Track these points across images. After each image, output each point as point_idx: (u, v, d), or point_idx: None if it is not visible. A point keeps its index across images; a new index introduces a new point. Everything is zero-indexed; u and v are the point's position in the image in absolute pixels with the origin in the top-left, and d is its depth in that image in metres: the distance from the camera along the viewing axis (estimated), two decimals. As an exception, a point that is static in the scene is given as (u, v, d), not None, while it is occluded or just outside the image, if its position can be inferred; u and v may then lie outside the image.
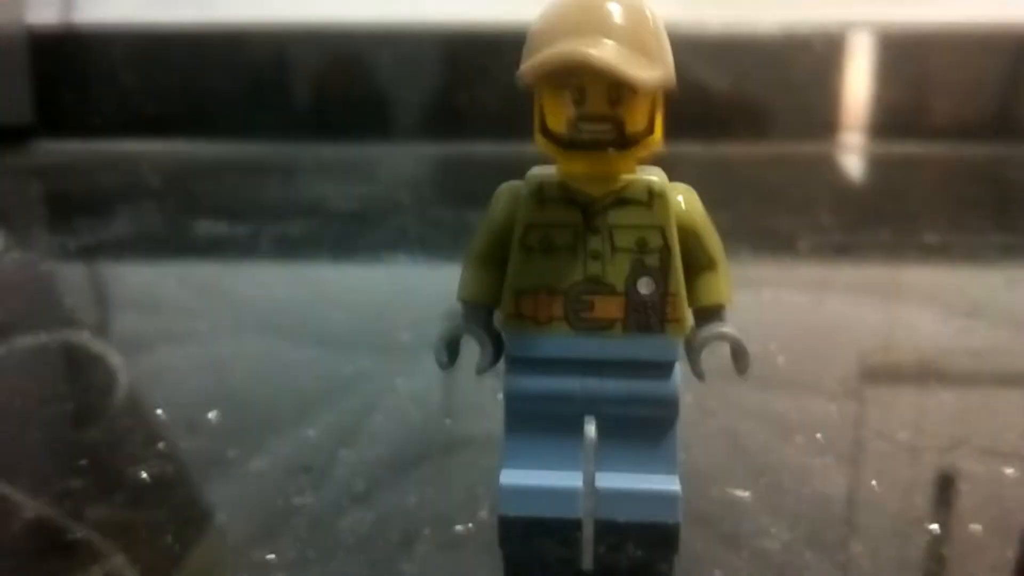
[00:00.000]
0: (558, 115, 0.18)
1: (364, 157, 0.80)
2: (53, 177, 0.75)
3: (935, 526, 0.20)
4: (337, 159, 0.79)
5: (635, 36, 0.17)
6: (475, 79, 0.83)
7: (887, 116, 0.83)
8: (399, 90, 0.84)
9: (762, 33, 0.82)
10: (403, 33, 0.83)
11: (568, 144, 0.18)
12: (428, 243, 0.50)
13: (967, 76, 0.83)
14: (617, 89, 0.18)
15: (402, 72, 0.84)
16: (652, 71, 0.17)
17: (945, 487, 0.22)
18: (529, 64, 0.17)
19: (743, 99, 0.83)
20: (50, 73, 0.86)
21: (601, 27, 0.17)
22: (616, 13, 0.17)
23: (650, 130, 0.18)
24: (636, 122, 0.18)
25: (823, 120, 0.83)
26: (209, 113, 0.86)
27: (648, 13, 0.18)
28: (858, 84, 0.83)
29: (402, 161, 0.80)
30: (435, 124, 0.84)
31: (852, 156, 0.82)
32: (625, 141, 0.18)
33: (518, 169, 0.20)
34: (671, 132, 0.19)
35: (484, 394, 0.27)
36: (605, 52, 0.17)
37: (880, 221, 0.56)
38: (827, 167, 0.79)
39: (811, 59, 0.83)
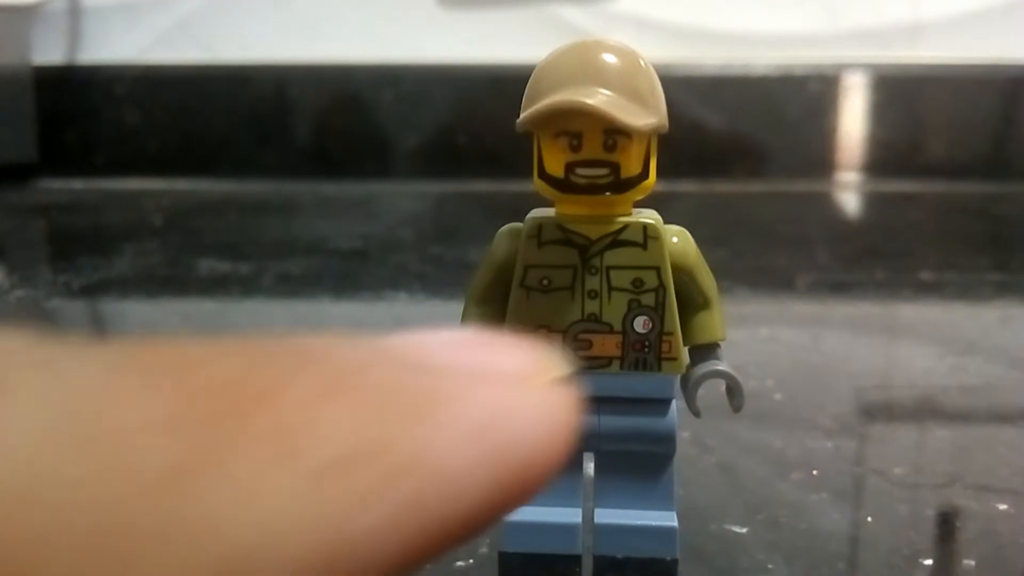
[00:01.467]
0: (556, 160, 0.19)
1: (365, 195, 0.81)
2: (56, 215, 0.76)
3: (930, 562, 0.20)
4: (338, 197, 0.80)
5: (629, 84, 0.18)
6: (475, 118, 0.84)
7: (882, 154, 0.84)
8: (399, 128, 0.85)
9: (757, 74, 0.83)
10: (404, 73, 0.84)
11: (566, 188, 0.19)
12: (428, 281, 0.51)
13: (961, 114, 0.84)
14: (612, 135, 0.18)
15: (402, 111, 0.85)
16: (646, 118, 0.18)
17: (940, 523, 0.23)
18: (528, 112, 0.18)
19: (739, 138, 0.84)
20: (54, 112, 0.87)
21: (597, 77, 0.18)
22: (611, 63, 0.18)
23: (645, 174, 0.19)
24: (631, 167, 0.19)
25: (819, 159, 0.84)
26: (211, 152, 0.87)
27: (642, 63, 0.19)
28: (853, 123, 0.84)
29: (402, 199, 0.81)
30: (435, 162, 0.85)
31: (848, 194, 0.83)
32: (621, 185, 0.19)
33: (517, 207, 0.20)
34: (669, 170, 0.20)
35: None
36: (600, 101, 0.17)
37: (876, 258, 0.56)
38: (823, 205, 0.80)
39: (806, 99, 0.84)
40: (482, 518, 0.08)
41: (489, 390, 0.09)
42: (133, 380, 0.07)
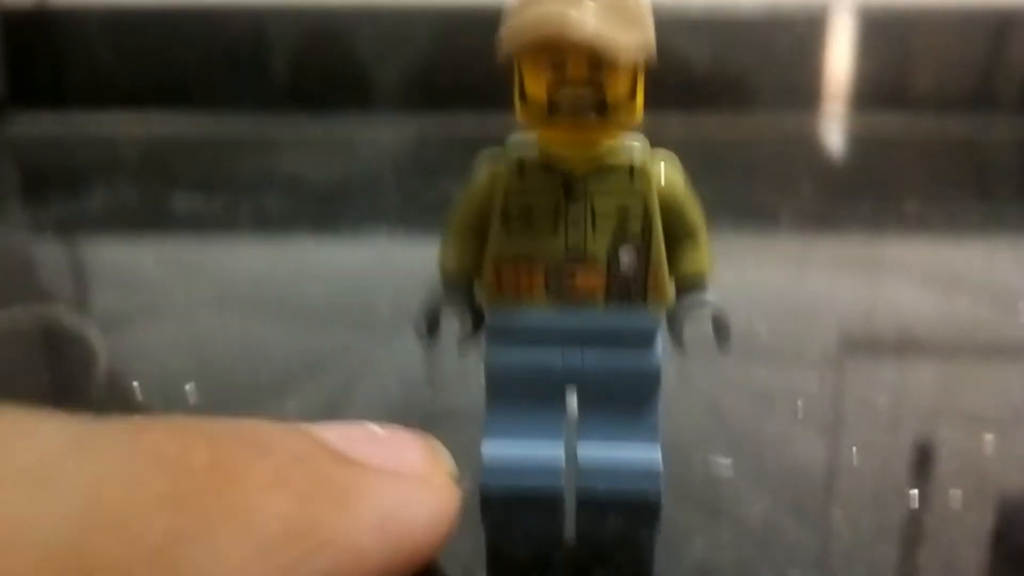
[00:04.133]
0: (537, 82, 0.18)
1: (343, 132, 0.79)
2: (28, 152, 0.74)
3: (915, 492, 0.20)
4: (316, 134, 0.79)
5: (615, 3, 0.17)
6: (457, 53, 0.82)
7: (868, 89, 0.83)
8: (379, 63, 0.83)
9: (744, 12, 0.82)
10: (383, 7, 0.82)
11: (548, 111, 0.18)
12: (408, 217, 0.50)
13: (948, 50, 0.83)
14: (598, 54, 0.17)
15: (382, 46, 0.83)
16: (633, 38, 0.17)
17: (925, 454, 0.22)
18: (508, 29, 0.17)
19: (725, 74, 0.83)
20: (25, 48, 0.84)
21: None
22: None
23: (631, 97, 0.18)
24: (617, 88, 0.18)
25: (804, 94, 0.83)
26: (186, 88, 0.85)
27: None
28: (840, 57, 0.83)
29: (382, 135, 0.79)
30: (416, 98, 0.84)
31: (833, 130, 0.82)
32: (606, 107, 0.18)
33: (501, 143, 0.19)
34: (653, 106, 0.19)
35: (465, 367, 0.27)
36: (586, 15, 0.16)
37: (861, 194, 0.56)
38: (808, 141, 0.79)
39: (793, 36, 0.82)
40: None
41: (395, 485, 0.12)
42: (139, 463, 0.10)
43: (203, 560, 0.09)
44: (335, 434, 0.13)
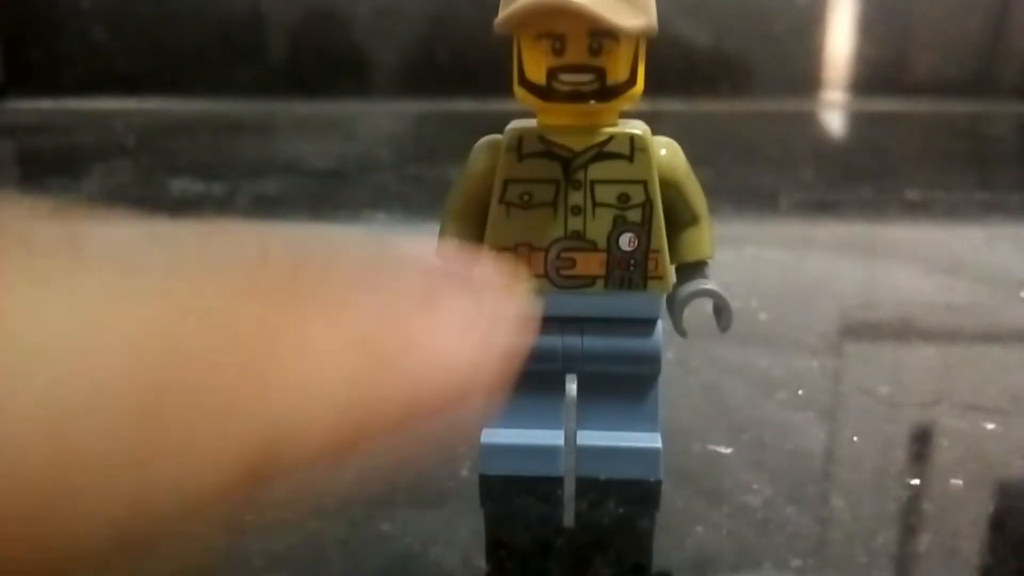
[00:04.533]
0: (537, 65, 0.18)
1: (342, 113, 0.79)
2: (24, 136, 0.74)
3: (916, 480, 0.20)
4: (314, 116, 0.78)
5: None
6: (455, 33, 0.82)
7: (869, 72, 0.83)
8: (377, 45, 0.83)
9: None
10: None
11: (548, 95, 0.18)
12: (407, 201, 0.50)
13: (949, 32, 0.83)
14: (598, 38, 0.17)
15: (380, 26, 0.82)
16: (634, 18, 0.17)
17: (926, 442, 0.22)
18: (507, 11, 0.17)
19: (725, 55, 0.83)
20: (20, 30, 0.84)
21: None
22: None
23: (632, 81, 0.18)
24: (618, 72, 0.18)
25: (806, 77, 0.83)
26: (183, 70, 0.84)
27: (630, -41, 0.17)
28: (840, 40, 0.83)
29: (381, 117, 0.79)
30: (414, 79, 0.83)
31: (834, 112, 0.82)
32: (606, 92, 0.18)
33: (500, 126, 0.19)
34: (654, 88, 0.19)
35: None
36: (585, -2, 0.16)
37: (861, 178, 0.55)
38: (809, 123, 0.78)
39: (793, 15, 0.82)
40: (465, 395, 0.11)
41: (478, 290, 0.12)
42: (222, 257, 0.10)
43: (294, 350, 0.09)
44: (417, 246, 0.13)
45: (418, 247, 0.13)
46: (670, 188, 0.19)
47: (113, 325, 0.08)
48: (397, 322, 0.10)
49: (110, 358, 0.08)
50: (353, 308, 0.10)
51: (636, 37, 0.17)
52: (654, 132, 0.19)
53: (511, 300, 0.12)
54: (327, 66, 0.83)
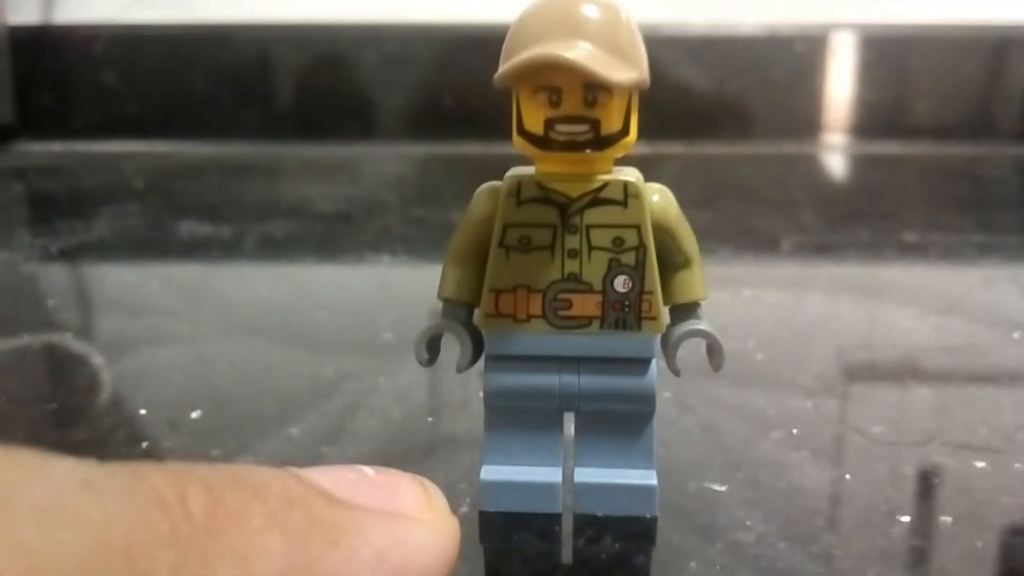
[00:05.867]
0: (535, 116, 0.18)
1: (348, 157, 0.80)
2: (34, 178, 0.75)
3: (906, 517, 0.21)
4: (321, 159, 0.79)
5: (610, 38, 0.18)
6: (460, 79, 0.83)
7: (868, 116, 0.84)
8: (383, 89, 0.84)
9: (744, 34, 0.82)
10: (387, 33, 0.83)
11: (545, 145, 0.19)
12: (411, 243, 0.51)
13: (947, 76, 0.84)
14: (592, 91, 0.18)
15: (386, 72, 0.84)
16: (626, 72, 0.18)
17: (917, 480, 0.23)
18: (506, 66, 0.18)
19: (725, 99, 0.84)
20: (31, 74, 0.85)
21: (576, 30, 0.18)
22: (591, 15, 0.18)
23: (625, 131, 0.19)
24: (611, 123, 0.18)
25: (805, 120, 0.84)
26: (191, 113, 0.86)
27: (623, 16, 0.18)
28: (839, 84, 0.84)
29: (386, 161, 0.80)
30: (419, 124, 0.85)
31: (833, 156, 0.83)
32: (601, 142, 0.18)
33: (501, 169, 0.20)
34: (654, 131, 0.20)
35: (466, 392, 0.27)
36: (579, 54, 0.17)
37: (860, 220, 0.56)
38: (808, 166, 0.79)
39: (793, 59, 0.83)
40: None
41: (388, 524, 0.12)
42: (143, 505, 0.10)
43: None
44: (327, 477, 0.13)
45: (334, 475, 0.13)
46: (663, 232, 0.20)
47: (41, 567, 0.09)
48: (305, 561, 0.11)
49: None
50: (262, 550, 0.11)
51: (628, 90, 0.18)
52: (656, 175, 0.20)
53: (426, 528, 0.13)
54: (334, 110, 0.85)
